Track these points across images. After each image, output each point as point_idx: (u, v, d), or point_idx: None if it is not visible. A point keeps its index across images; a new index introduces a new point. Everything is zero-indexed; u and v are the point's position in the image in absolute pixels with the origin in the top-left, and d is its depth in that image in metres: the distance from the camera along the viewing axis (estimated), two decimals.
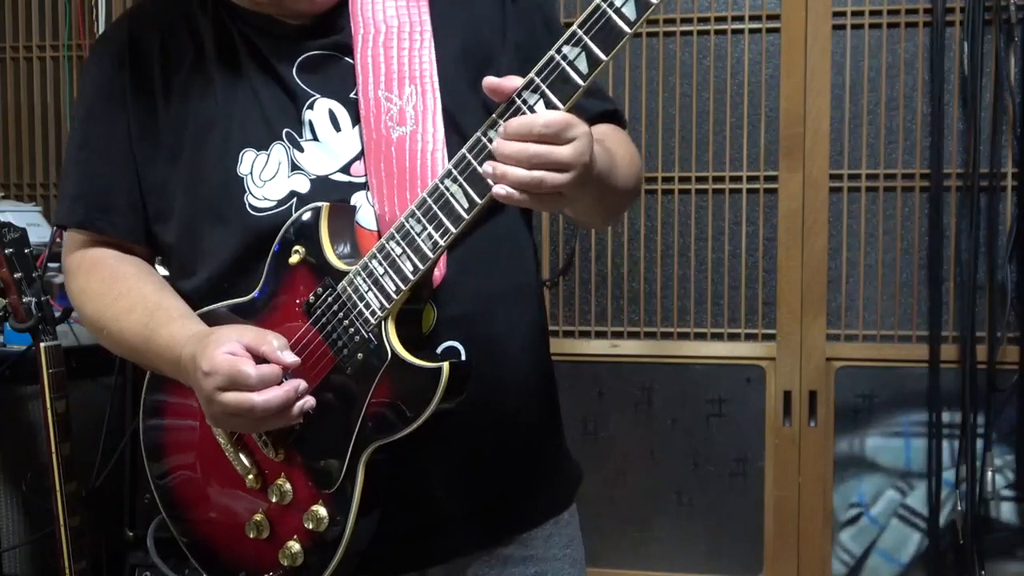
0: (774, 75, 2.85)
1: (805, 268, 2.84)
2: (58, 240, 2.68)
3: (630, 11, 1.03)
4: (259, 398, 1.13)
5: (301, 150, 1.27)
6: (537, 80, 1.06)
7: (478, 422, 1.26)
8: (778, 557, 2.86)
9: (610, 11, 1.03)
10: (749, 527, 2.88)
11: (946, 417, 2.77)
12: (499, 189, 1.07)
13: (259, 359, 1.15)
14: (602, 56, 1.04)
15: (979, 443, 2.72)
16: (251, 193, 1.27)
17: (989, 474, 2.71)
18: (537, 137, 1.05)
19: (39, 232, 2.74)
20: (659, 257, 2.93)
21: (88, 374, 2.64)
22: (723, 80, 2.89)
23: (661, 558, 2.93)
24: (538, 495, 1.35)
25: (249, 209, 1.26)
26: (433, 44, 1.27)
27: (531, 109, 1.07)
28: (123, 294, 1.31)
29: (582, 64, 1.05)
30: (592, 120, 1.26)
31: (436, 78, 1.26)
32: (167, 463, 1.37)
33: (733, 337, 2.90)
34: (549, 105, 1.06)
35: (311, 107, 1.27)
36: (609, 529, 2.94)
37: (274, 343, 1.16)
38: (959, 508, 2.74)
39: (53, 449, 2.08)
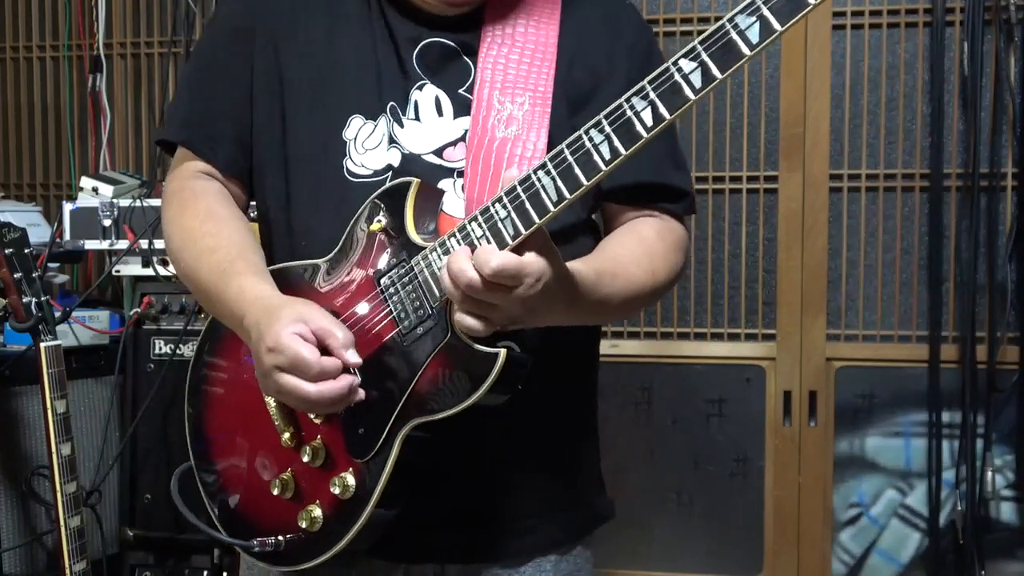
0: (774, 75, 2.85)
1: (805, 268, 2.84)
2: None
3: (753, 35, 1.04)
4: (313, 389, 1.14)
5: (402, 126, 1.30)
6: (648, 88, 1.06)
7: (520, 432, 1.28)
8: (778, 557, 2.86)
9: (733, 32, 1.04)
10: (749, 527, 2.88)
11: (946, 417, 2.77)
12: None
13: (323, 348, 1.16)
14: (718, 74, 1.04)
15: (979, 443, 2.72)
16: (351, 158, 1.30)
17: (989, 474, 2.71)
18: (489, 277, 1.06)
19: (39, 232, 2.74)
20: None
21: (88, 374, 2.64)
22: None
23: (661, 558, 2.92)
24: (558, 523, 1.37)
25: (347, 174, 1.30)
26: (555, 65, 1.31)
27: (637, 115, 1.06)
28: (210, 233, 1.31)
29: (696, 79, 1.04)
30: (649, 194, 1.33)
31: (551, 95, 1.29)
32: (208, 409, 1.37)
33: (733, 337, 2.90)
34: (656, 115, 1.06)
35: (420, 88, 1.31)
36: (609, 529, 2.91)
37: (340, 337, 1.16)
38: (959, 508, 2.74)
39: (53, 449, 2.08)
